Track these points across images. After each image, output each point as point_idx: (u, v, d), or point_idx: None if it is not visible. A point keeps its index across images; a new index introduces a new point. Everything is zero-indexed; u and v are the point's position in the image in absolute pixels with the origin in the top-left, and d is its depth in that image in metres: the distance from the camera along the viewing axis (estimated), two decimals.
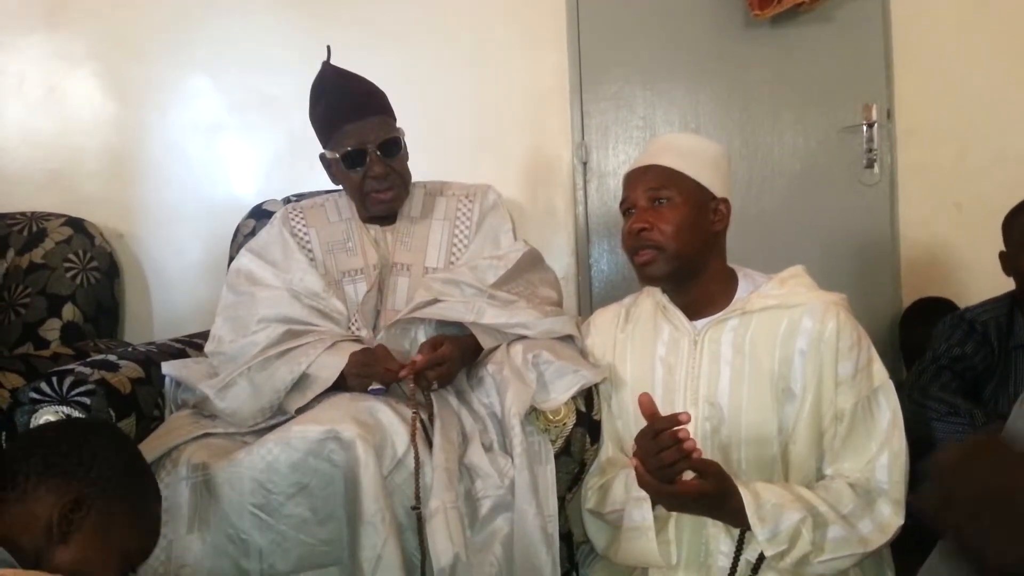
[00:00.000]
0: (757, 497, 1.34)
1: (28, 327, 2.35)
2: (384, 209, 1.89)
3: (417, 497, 1.47)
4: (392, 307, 1.83)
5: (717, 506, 1.34)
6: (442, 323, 1.76)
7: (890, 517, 1.39)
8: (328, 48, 1.88)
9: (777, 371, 1.44)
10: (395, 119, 1.89)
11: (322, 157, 1.90)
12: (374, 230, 1.93)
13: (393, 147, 1.84)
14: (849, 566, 1.38)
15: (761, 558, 1.37)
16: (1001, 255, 1.91)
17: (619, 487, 1.51)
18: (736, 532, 1.40)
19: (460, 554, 1.41)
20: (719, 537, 1.44)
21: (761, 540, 1.33)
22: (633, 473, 1.33)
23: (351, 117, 1.80)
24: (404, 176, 1.90)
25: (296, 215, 1.97)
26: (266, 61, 2.76)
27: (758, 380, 1.45)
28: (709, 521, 1.43)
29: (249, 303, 1.80)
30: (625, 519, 1.45)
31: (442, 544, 1.41)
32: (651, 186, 1.50)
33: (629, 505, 1.44)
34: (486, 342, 1.71)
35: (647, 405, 1.29)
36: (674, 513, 1.43)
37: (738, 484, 1.33)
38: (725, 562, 1.42)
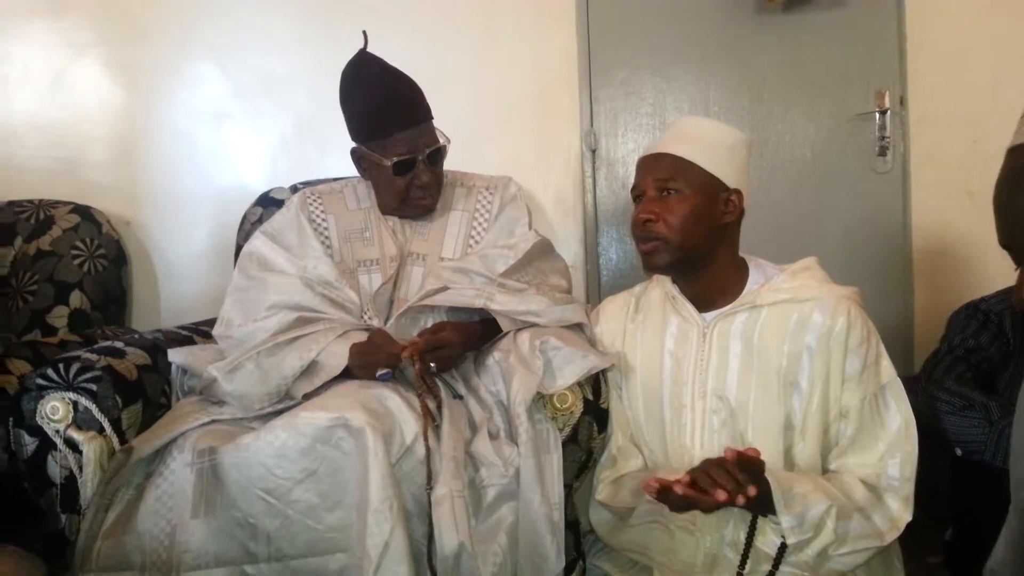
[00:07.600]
0: (782, 484, 1.31)
1: (36, 314, 2.35)
2: (423, 212, 1.89)
3: (429, 479, 1.46)
4: (405, 296, 1.82)
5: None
6: (453, 311, 1.75)
7: (899, 511, 1.39)
8: (364, 34, 1.81)
9: (785, 365, 1.43)
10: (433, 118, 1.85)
11: (354, 152, 1.86)
12: (392, 221, 1.91)
13: (439, 156, 1.84)
14: (863, 561, 1.37)
15: (783, 548, 1.34)
16: None
17: (628, 491, 1.52)
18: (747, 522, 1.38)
19: (465, 543, 1.41)
20: (724, 530, 1.42)
21: (786, 528, 1.30)
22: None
23: (403, 125, 1.76)
24: (441, 180, 1.90)
25: (315, 200, 1.94)
26: (272, 46, 2.74)
27: (766, 374, 1.45)
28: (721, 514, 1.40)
29: (260, 288, 1.78)
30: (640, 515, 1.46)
31: (447, 532, 1.41)
32: (660, 176, 1.48)
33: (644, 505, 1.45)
34: (506, 324, 1.70)
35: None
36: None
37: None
38: (732, 554, 1.40)
